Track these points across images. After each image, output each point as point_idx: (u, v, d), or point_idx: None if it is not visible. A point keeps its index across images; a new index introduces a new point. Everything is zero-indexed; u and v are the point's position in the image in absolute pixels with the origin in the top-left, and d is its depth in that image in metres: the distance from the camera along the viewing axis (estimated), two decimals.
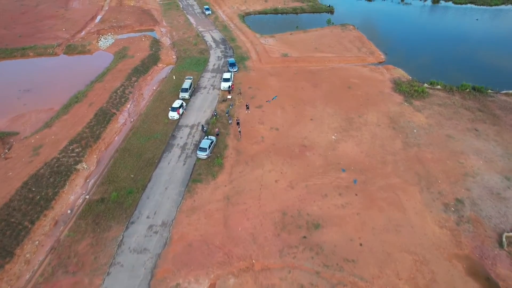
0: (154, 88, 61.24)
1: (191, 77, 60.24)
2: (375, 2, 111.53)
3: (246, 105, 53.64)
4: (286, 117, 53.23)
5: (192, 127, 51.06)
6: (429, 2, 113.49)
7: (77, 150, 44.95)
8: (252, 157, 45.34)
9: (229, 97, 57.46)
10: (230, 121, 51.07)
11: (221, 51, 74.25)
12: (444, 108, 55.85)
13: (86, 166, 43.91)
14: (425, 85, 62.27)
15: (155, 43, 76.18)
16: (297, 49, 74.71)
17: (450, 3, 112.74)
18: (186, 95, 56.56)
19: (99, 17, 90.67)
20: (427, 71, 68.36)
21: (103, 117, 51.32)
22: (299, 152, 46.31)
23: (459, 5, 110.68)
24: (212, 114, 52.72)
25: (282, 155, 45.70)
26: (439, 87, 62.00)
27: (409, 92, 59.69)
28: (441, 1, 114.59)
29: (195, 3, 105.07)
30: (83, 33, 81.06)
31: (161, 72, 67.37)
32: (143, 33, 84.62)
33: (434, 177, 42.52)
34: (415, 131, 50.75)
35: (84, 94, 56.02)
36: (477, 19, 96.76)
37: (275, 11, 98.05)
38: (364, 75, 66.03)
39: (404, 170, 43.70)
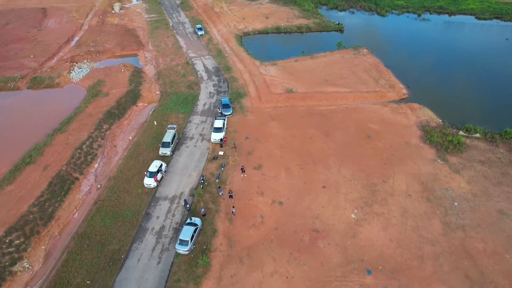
0: (130, 137, 51.34)
1: (175, 125, 50.35)
2: (389, 18, 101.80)
3: (242, 168, 43.60)
4: (292, 183, 43.23)
5: (172, 200, 41.06)
6: (448, 18, 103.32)
7: (18, 241, 35.03)
8: (248, 250, 35.40)
9: (221, 153, 47.48)
10: (221, 192, 41.09)
11: (214, 85, 64.33)
12: (488, 168, 45.84)
13: (28, 265, 34.02)
14: (461, 132, 52.30)
15: (137, 74, 66.27)
16: (303, 82, 64.76)
17: (472, 18, 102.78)
18: (167, 151, 46.64)
19: (76, 39, 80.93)
20: (459, 110, 58.68)
21: (60, 186, 41.33)
22: (309, 242, 36.39)
23: (483, 21, 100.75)
24: (199, 181, 42.66)
25: (287, 246, 35.81)
26: (477, 135, 52.00)
27: (442, 143, 49.78)
28: (459, 15, 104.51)
29: (187, 20, 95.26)
30: (54, 60, 71.36)
31: (141, 113, 57.49)
32: (125, 59, 74.89)
33: (493, 284, 32.62)
34: (455, 204, 40.81)
35: (40, 151, 46.09)
36: (507, 39, 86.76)
37: (277, 30, 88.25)
38: (385, 118, 56.02)
39: (449, 270, 33.77)
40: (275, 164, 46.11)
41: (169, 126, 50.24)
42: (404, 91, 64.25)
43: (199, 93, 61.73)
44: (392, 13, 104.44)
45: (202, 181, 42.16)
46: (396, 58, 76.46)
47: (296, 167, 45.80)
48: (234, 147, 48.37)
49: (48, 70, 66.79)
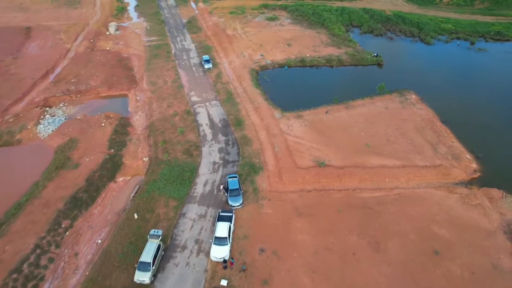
0: (99, 240, 37.35)
1: (160, 231, 36.00)
2: (436, 46, 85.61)
3: None
4: None
5: None
6: (509, 46, 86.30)
7: None
8: None
9: (224, 282, 33.11)
10: None
11: (220, 149, 49.85)
12: None
13: None
14: None
15: (121, 130, 52.36)
16: (338, 147, 49.82)
17: None
18: (146, 278, 32.59)
19: (57, 71, 67.39)
20: None
21: None
22: None
23: None
24: None
25: None
26: None
27: None
28: None
29: (193, 46, 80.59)
30: (23, 103, 58.05)
31: (120, 194, 43.47)
32: (112, 100, 61.30)
33: None
34: None
35: None
36: None
37: (302, 63, 73.27)
38: (454, 215, 40.94)
39: None
40: None
41: (152, 231, 35.93)
42: (474, 164, 48.65)
43: (200, 163, 47.26)
44: (438, 39, 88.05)
45: None
46: (453, 108, 60.72)
47: None
48: (244, 269, 33.78)
49: (11, 120, 53.39)
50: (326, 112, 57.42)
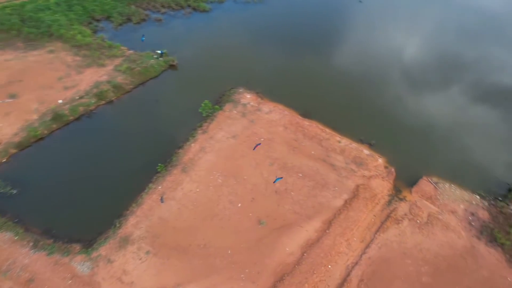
0: None
1: None
2: (216, 12, 70.07)
3: None
4: None
5: None
6: None
7: None
8: None
9: None
10: None
11: None
12: None
13: None
14: None
15: None
16: (227, 259, 29.37)
17: None
18: None
19: None
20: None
21: None
22: None
23: None
24: None
25: None
26: None
27: None
28: None
29: None
30: None
31: None
32: None
33: None
34: None
35: None
36: (360, 1, 72.12)
37: (59, 121, 43.06)
38: (430, 259, 29.40)
39: None
40: None
41: None
42: (380, 159, 38.75)
43: None
44: (211, 1, 72.71)
45: None
46: (298, 88, 48.80)
47: None
48: None
49: None
50: (161, 200, 33.91)
